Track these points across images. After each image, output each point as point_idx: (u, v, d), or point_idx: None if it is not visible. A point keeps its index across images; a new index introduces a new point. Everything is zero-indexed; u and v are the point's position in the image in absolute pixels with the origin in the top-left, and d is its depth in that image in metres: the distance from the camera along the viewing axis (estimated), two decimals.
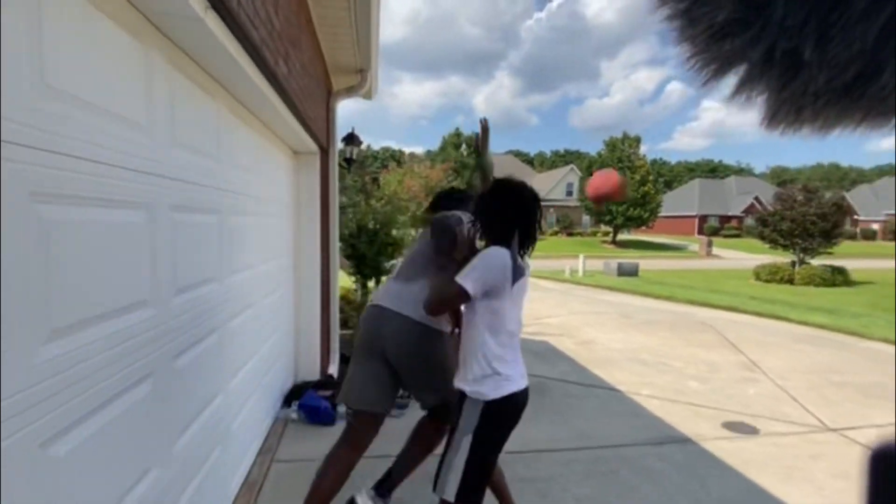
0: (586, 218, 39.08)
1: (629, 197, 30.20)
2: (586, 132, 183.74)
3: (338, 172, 4.08)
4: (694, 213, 46.75)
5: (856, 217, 47.73)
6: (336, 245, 4.21)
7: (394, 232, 5.22)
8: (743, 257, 24.14)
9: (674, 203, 49.50)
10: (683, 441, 3.21)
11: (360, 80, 4.03)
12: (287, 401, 3.52)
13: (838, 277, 12.99)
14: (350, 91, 4.11)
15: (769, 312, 7.85)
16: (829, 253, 13.48)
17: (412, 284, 1.91)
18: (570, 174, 44.35)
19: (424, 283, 1.86)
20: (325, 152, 3.98)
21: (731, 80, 0.43)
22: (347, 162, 5.04)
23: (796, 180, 35.87)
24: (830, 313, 7.96)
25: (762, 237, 14.36)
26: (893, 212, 44.31)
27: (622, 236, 36.70)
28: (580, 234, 40.09)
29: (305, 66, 2.79)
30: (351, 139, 5.02)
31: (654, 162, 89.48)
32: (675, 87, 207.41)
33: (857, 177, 75.63)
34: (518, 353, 1.68)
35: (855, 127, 0.42)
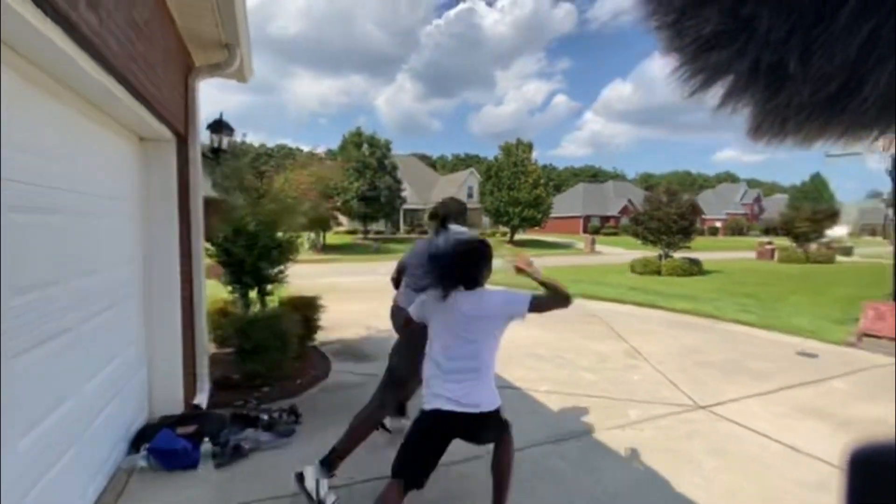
0: (486, 219, 40.65)
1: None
2: (484, 137, 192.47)
3: (201, 164, 3.46)
4: (579, 214, 51.41)
5: (703, 216, 56.59)
6: (201, 250, 3.57)
7: (279, 234, 4.64)
8: (621, 252, 27.00)
9: (562, 205, 53.97)
10: (580, 435, 3.24)
11: (227, 57, 3.46)
12: (136, 444, 2.85)
13: (694, 268, 15.07)
14: (215, 69, 3.52)
15: (645, 301, 8.71)
16: (688, 247, 15.59)
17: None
18: (470, 177, 45.83)
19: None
20: (182, 140, 3.35)
21: (717, 91, 0.43)
22: (215, 153, 4.34)
23: (660, 185, 41.30)
24: (692, 300, 9.09)
25: (635, 234, 16.12)
26: (732, 212, 53.25)
27: (518, 236, 38.90)
28: (481, 234, 41.57)
29: (139, 24, 2.23)
30: (219, 126, 4.33)
31: (544, 167, 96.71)
32: (561, 100, 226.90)
33: (703, 182, 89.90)
34: (437, 377, 1.87)
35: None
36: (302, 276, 5.00)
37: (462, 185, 44.94)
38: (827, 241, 26.04)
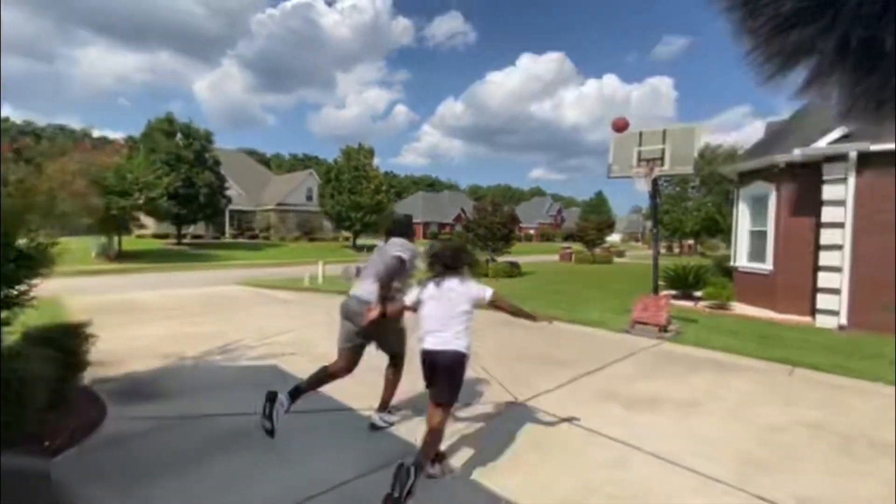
0: (328, 223, 39.07)
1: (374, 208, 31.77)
2: (326, 139, 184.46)
3: None
4: (420, 221, 53.66)
5: (521, 225, 65.15)
6: None
7: (21, 241, 3.40)
8: None
9: (403, 211, 55.60)
10: (413, 453, 3.12)
11: None
12: None
13: (515, 270, 17.06)
14: None
15: None
16: (509, 252, 17.56)
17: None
18: (309, 179, 43.50)
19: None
20: None
21: (797, 75, 0.41)
22: None
23: (486, 196, 46.11)
24: (513, 298, 10.13)
25: (467, 241, 17.45)
26: (542, 221, 62.49)
27: (361, 240, 38.51)
28: (322, 239, 39.74)
29: None
30: None
31: (386, 174, 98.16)
32: (402, 110, 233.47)
33: (520, 196, 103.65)
34: (430, 330, 2.81)
35: None
36: (82, 291, 3.78)
37: (300, 186, 42.36)
38: (607, 245, 32.75)
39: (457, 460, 3.04)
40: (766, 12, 0.36)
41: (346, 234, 38.15)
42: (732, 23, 0.39)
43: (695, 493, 2.74)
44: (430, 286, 2.86)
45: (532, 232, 65.78)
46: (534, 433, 3.49)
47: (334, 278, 14.60)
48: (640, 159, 6.94)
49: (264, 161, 69.32)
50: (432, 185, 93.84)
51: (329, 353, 5.74)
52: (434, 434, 2.71)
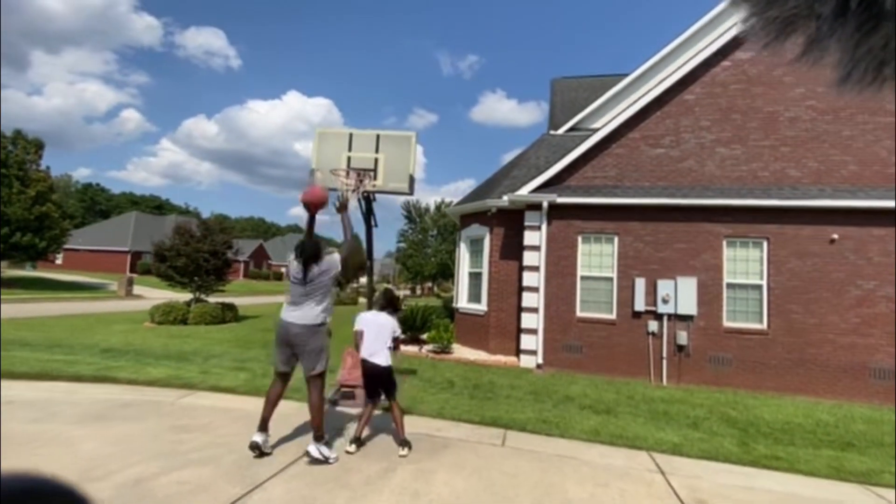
0: None
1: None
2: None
3: None
4: (127, 249, 41.44)
5: (269, 262, 59.30)
6: None
7: None
8: (168, 296, 22.35)
9: (104, 236, 42.41)
10: None
11: None
12: None
13: (228, 314, 13.34)
14: None
15: (94, 374, 5.71)
16: (222, 291, 13.76)
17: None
18: None
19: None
20: None
21: (794, 41, 0.40)
22: None
23: (235, 227, 39.55)
24: (179, 360, 6.89)
25: (158, 273, 12.80)
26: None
27: (16, 272, 26.14)
28: None
29: None
30: None
31: (88, 187, 74.93)
32: (132, 116, 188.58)
33: (275, 231, 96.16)
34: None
35: None
36: None
37: None
38: (357, 286, 31.95)
39: None
40: None
41: None
42: None
43: None
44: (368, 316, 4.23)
45: (283, 270, 60.49)
46: None
47: None
48: (349, 167, 5.29)
49: None
50: (159, 208, 76.64)
51: None
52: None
